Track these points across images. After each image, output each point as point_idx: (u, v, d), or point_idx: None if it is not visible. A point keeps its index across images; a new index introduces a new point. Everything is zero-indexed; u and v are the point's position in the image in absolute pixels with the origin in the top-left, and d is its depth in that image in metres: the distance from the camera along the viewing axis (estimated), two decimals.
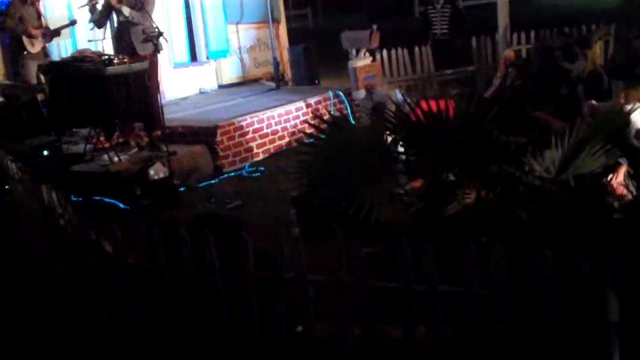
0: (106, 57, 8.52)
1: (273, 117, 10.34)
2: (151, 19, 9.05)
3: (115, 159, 8.26)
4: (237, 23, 13.03)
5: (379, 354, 3.85)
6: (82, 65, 8.25)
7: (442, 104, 4.50)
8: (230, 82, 12.99)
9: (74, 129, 9.26)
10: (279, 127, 10.38)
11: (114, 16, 9.40)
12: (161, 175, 8.10)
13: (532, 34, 13.21)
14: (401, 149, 4.81)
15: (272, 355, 4.06)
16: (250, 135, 9.91)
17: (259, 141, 10.04)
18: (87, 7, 9.33)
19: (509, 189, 4.05)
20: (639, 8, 13.94)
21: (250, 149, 9.86)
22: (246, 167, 9.46)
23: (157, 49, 8.97)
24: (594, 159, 4.37)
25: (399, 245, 3.64)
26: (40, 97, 9.23)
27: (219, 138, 9.46)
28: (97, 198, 7.76)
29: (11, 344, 4.51)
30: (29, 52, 10.03)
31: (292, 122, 10.55)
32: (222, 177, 9.05)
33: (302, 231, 5.78)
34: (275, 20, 13.32)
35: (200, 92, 12.45)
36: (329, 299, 3.97)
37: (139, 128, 9.10)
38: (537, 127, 7.37)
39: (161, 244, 4.13)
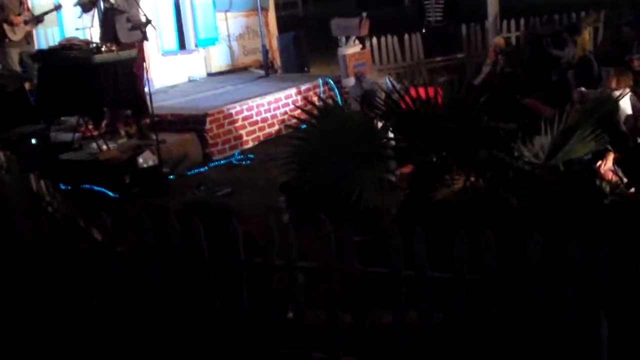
0: (94, 45, 8.46)
1: (262, 105, 10.31)
2: (138, 6, 8.97)
3: (104, 147, 8.22)
4: (226, 11, 12.97)
5: (369, 339, 3.85)
6: (70, 53, 8.19)
7: (431, 91, 4.50)
8: (219, 70, 12.94)
9: (62, 118, 9.21)
10: (268, 115, 10.35)
11: (101, 3, 9.32)
12: (150, 163, 8.07)
13: (522, 21, 13.21)
14: (391, 135, 4.80)
15: (263, 342, 4.05)
16: (239, 123, 9.88)
17: (249, 129, 10.01)
18: None
19: (498, 174, 4.05)
20: None
21: (239, 137, 9.84)
22: (236, 154, 9.44)
23: (144, 37, 8.91)
24: (584, 144, 4.38)
25: (390, 230, 3.64)
26: (27, 85, 9.16)
27: (208, 126, 9.42)
28: (85, 186, 7.72)
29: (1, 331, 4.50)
30: (10, 40, 9.92)
31: (282, 110, 10.52)
32: (211, 165, 9.03)
33: (291, 218, 5.77)
34: (264, 8, 13.27)
35: (189, 80, 12.40)
36: (319, 286, 3.96)
37: (127, 116, 9.05)
38: (527, 114, 7.38)
39: (151, 232, 4.11)
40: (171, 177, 8.23)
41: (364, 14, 11.24)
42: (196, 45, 12.68)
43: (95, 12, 9.55)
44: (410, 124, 4.58)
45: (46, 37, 10.88)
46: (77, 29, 9.81)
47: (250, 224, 4.40)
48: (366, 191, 4.32)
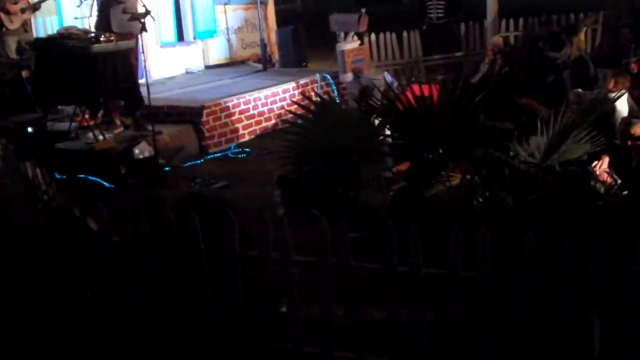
0: (92, 34, 8.45)
1: (260, 99, 10.31)
2: None
3: (100, 137, 8.21)
4: (225, 4, 12.95)
5: (363, 335, 3.86)
6: (69, 42, 8.18)
7: (428, 88, 4.51)
8: (217, 62, 12.93)
9: (59, 107, 9.19)
10: (265, 109, 10.35)
11: None
12: (146, 154, 8.06)
13: (521, 21, 13.22)
14: (388, 132, 4.81)
15: (256, 335, 4.06)
16: (236, 116, 9.88)
17: (245, 122, 10.01)
18: None
19: (494, 172, 4.07)
20: None
21: (236, 130, 9.83)
22: (232, 147, 9.43)
23: (143, 28, 8.89)
24: (579, 145, 4.39)
25: (386, 227, 3.65)
26: (25, 73, 9.13)
27: (205, 118, 9.42)
28: (81, 176, 7.72)
29: None
30: (7, 29, 9.89)
31: (279, 104, 10.52)
32: (207, 157, 9.03)
33: (287, 212, 5.78)
34: (263, 2, 13.25)
35: (187, 72, 12.39)
36: (314, 281, 3.97)
37: (124, 107, 9.04)
38: (523, 114, 7.40)
39: (146, 223, 4.11)
40: (167, 168, 8.22)
41: (363, 10, 11.24)
42: (194, 38, 12.67)
43: (94, 1, 9.55)
44: (407, 121, 4.58)
45: (44, 25, 10.85)
46: (75, 18, 9.79)
47: (245, 217, 4.40)
48: (363, 187, 4.33)
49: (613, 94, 7.33)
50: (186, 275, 4.10)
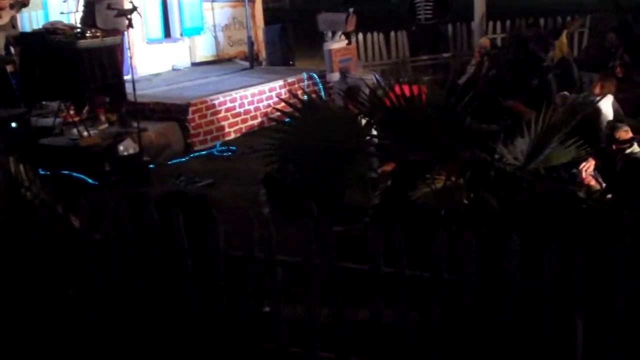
0: (78, 29, 8.39)
1: (246, 97, 10.28)
2: None
3: (85, 133, 8.16)
4: (213, 1, 12.90)
5: (347, 335, 3.85)
6: (54, 37, 8.12)
7: (415, 89, 4.50)
8: (204, 60, 12.88)
9: (43, 102, 9.12)
10: (251, 107, 10.32)
11: None
12: (131, 151, 8.02)
13: (508, 23, 13.26)
14: (374, 132, 4.80)
15: (239, 334, 4.05)
16: (222, 114, 9.85)
17: (231, 120, 9.98)
18: None
19: (479, 174, 4.07)
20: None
21: (222, 128, 9.80)
22: (217, 146, 9.40)
23: (130, 24, 8.84)
24: (565, 151, 4.40)
25: (370, 229, 3.64)
26: (9, 68, 9.06)
27: (190, 116, 9.38)
28: (65, 172, 7.66)
29: None
30: None
31: (265, 102, 10.49)
32: (192, 155, 9.00)
33: (272, 211, 5.76)
34: (251, 0, 13.22)
35: (173, 69, 12.33)
36: (298, 281, 3.96)
37: (108, 103, 8.99)
38: (509, 116, 7.42)
39: (129, 221, 4.09)
40: (151, 166, 8.19)
41: (351, 10, 11.23)
42: (181, 34, 12.61)
43: None
44: (394, 121, 4.57)
45: (30, 20, 10.78)
46: (61, 13, 9.73)
47: (230, 215, 4.38)
48: (349, 187, 4.32)
49: (598, 98, 7.37)
50: (170, 274, 4.07)
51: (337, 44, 11.00)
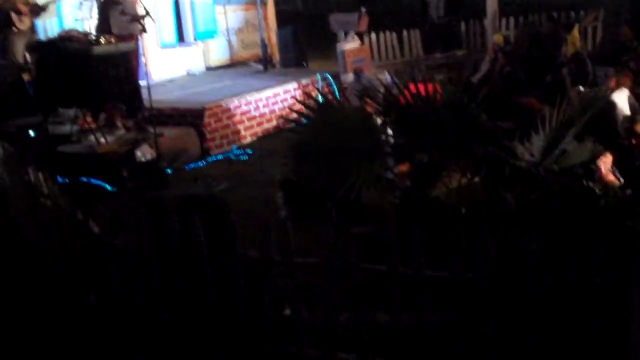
0: (93, 36, 8.46)
1: (261, 100, 10.31)
2: None
3: (102, 140, 8.20)
4: (225, 4, 12.95)
5: (366, 337, 3.85)
6: (69, 45, 8.19)
7: (430, 87, 4.50)
8: (217, 63, 12.93)
9: (60, 110, 9.19)
10: (266, 110, 10.35)
11: None
12: (148, 157, 8.06)
13: (521, 19, 13.22)
14: (390, 132, 4.81)
15: (259, 337, 4.06)
16: (237, 118, 9.88)
17: (247, 124, 10.01)
18: None
19: (494, 171, 4.07)
20: None
21: (237, 132, 9.84)
22: (234, 149, 9.44)
23: (143, 29, 8.90)
24: (583, 148, 4.38)
25: (386, 229, 3.64)
26: (26, 76, 9.14)
27: (206, 120, 9.42)
28: (83, 179, 7.71)
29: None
30: (17, 29, 9.87)
31: (280, 105, 10.52)
32: (209, 159, 9.03)
33: (289, 214, 5.78)
34: (264, 2, 13.25)
35: (188, 74, 12.38)
36: (317, 283, 3.97)
37: (124, 109, 9.04)
38: (524, 113, 7.39)
39: (148, 227, 4.11)
40: (169, 171, 8.22)
41: (363, 10, 11.24)
42: (195, 39, 12.67)
43: (93, 4, 9.57)
44: (408, 120, 4.58)
45: (45, 28, 10.86)
46: (76, 20, 9.82)
47: (248, 219, 4.39)
48: (364, 187, 4.33)
49: (614, 92, 7.33)
50: (189, 279, 4.09)
51: (350, 44, 11.02)
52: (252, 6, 13.00)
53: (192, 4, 12.57)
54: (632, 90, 7.68)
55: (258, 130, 10.15)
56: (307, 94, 8.31)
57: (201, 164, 8.81)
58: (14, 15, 9.82)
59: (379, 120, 4.79)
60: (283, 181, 6.10)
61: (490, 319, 3.58)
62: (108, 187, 7.64)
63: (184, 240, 4.02)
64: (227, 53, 13.14)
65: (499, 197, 4.05)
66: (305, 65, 12.81)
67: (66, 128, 8.65)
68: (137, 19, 8.82)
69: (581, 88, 8.30)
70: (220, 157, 9.18)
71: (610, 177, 5.88)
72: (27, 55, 9.42)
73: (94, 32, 8.99)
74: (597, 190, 4.36)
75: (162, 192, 7.36)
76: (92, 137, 8.26)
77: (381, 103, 4.76)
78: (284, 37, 12.92)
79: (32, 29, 10.12)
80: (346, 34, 11.13)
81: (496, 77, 10.44)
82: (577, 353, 3.50)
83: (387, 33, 12.74)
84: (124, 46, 8.51)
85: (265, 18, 13.34)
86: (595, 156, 5.39)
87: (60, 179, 7.31)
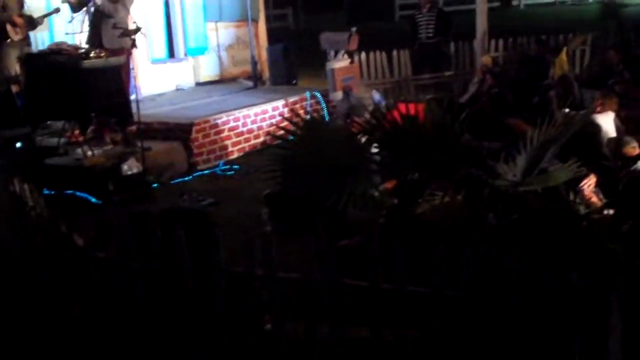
0: (83, 50, 8.48)
1: (249, 116, 10.34)
2: (128, 13, 9.00)
3: (89, 153, 8.21)
4: (217, 21, 12.99)
5: (347, 353, 3.86)
6: (59, 57, 8.20)
7: (417, 107, 4.55)
8: (207, 79, 12.95)
9: (48, 122, 9.19)
10: (254, 126, 10.37)
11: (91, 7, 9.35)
12: (134, 170, 8.06)
13: (510, 41, 13.33)
14: (375, 150, 4.85)
15: (241, 352, 4.06)
16: (225, 134, 9.90)
17: (235, 139, 10.03)
18: None
19: (475, 191, 4.10)
20: (615, 18, 14.11)
21: (225, 147, 9.85)
22: (220, 165, 9.44)
23: (133, 44, 8.93)
24: (564, 170, 4.43)
25: (370, 245, 3.67)
26: (14, 88, 9.13)
27: (194, 135, 9.44)
28: (69, 192, 7.72)
29: None
30: (11, 40, 9.86)
31: (268, 122, 10.54)
32: (196, 174, 9.03)
33: (273, 230, 5.79)
34: (254, 20, 13.30)
35: (177, 89, 12.40)
36: (298, 298, 3.98)
37: (113, 123, 9.05)
38: (511, 134, 7.44)
39: (132, 240, 4.12)
40: (155, 185, 8.22)
41: (353, 29, 11.31)
42: (185, 54, 12.70)
43: (85, 18, 9.59)
44: (394, 139, 4.62)
45: (36, 40, 10.85)
46: (66, 34, 9.82)
47: (232, 234, 4.40)
48: (350, 204, 4.35)
49: (599, 115, 7.40)
50: (172, 291, 4.10)
51: (340, 63, 11.07)
52: (244, 23, 13.05)
53: (183, 19, 12.62)
54: (617, 113, 7.76)
55: (245, 146, 10.17)
56: (294, 112, 8.38)
57: (188, 179, 8.81)
58: (9, 27, 9.82)
59: (363, 139, 4.83)
60: (268, 196, 6.11)
61: (470, 335, 3.60)
62: (93, 200, 7.64)
63: (166, 252, 4.03)
64: (217, 69, 13.17)
65: (480, 216, 4.08)
66: (295, 82, 12.85)
67: (54, 140, 8.66)
68: (128, 33, 8.84)
69: (567, 110, 8.37)
70: (207, 172, 9.19)
71: (594, 199, 5.94)
72: (17, 67, 9.43)
73: (85, 45, 9.00)
74: (580, 211, 4.41)
75: (147, 205, 7.36)
76: (79, 150, 8.26)
77: (367, 121, 4.80)
78: (274, 55, 12.96)
79: (27, 41, 10.12)
80: (336, 53, 11.19)
81: (484, 98, 10.52)
82: None
83: (377, 52, 12.81)
84: (113, 60, 8.52)
85: (256, 35, 13.39)
86: (579, 178, 5.44)
87: (46, 191, 7.30)
